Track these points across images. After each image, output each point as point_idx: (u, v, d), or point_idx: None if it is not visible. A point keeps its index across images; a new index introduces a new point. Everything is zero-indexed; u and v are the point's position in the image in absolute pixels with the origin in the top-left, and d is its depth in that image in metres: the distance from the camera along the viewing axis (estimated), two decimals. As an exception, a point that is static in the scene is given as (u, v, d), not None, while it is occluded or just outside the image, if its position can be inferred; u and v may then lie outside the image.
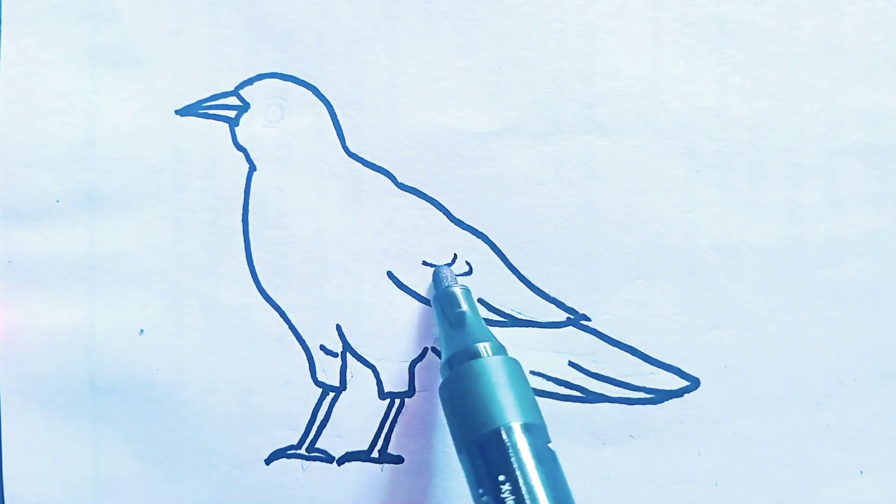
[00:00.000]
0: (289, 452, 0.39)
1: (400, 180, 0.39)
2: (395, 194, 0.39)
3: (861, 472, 0.39)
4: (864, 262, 0.39)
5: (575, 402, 0.39)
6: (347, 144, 0.39)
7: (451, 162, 0.39)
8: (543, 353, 0.39)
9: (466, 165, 0.39)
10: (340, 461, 0.39)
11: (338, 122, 0.39)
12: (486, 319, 0.39)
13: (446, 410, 0.35)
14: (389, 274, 0.39)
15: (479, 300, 0.39)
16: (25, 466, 0.40)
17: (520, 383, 0.34)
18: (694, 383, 0.39)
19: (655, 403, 0.39)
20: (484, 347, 0.35)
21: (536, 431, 0.33)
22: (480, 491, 0.32)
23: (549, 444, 0.33)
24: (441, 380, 0.36)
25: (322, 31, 0.40)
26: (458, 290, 0.37)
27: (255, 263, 0.39)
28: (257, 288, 0.39)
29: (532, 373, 0.39)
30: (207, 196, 0.40)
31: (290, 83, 0.40)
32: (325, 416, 0.39)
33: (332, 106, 0.40)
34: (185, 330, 0.39)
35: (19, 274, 0.40)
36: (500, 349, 0.35)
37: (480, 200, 0.39)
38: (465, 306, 0.37)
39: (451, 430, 0.35)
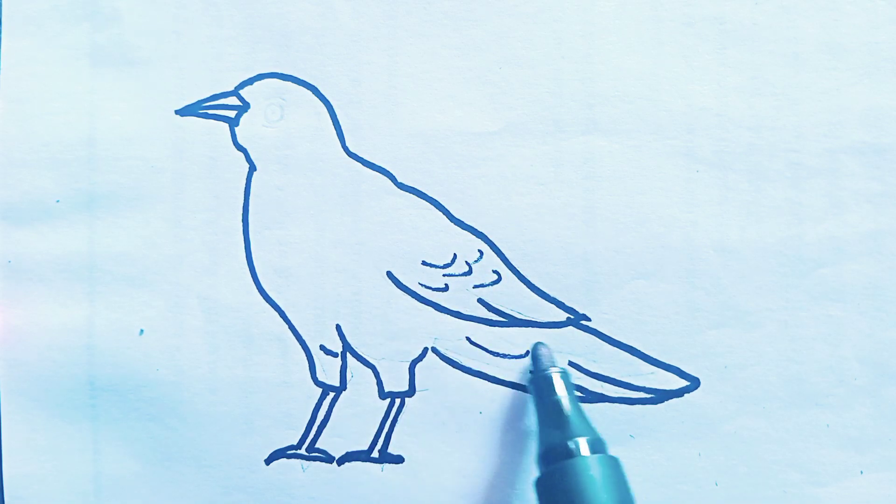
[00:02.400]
0: (289, 452, 0.39)
1: (400, 180, 0.39)
2: (394, 194, 0.39)
3: (861, 472, 0.39)
4: (864, 262, 0.39)
5: (575, 402, 0.39)
6: (347, 144, 0.39)
7: (451, 162, 0.39)
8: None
9: (466, 165, 0.39)
10: (340, 461, 0.39)
11: (338, 121, 0.39)
12: (486, 320, 0.39)
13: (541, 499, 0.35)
14: (389, 274, 0.39)
15: (479, 300, 0.39)
16: (25, 466, 0.40)
17: (620, 486, 0.33)
18: (694, 383, 0.39)
19: (655, 403, 0.39)
20: (583, 444, 0.34)
21: None
22: None
23: None
24: (537, 473, 0.35)
25: (322, 32, 0.40)
26: (555, 375, 0.37)
27: (255, 263, 0.39)
28: (257, 288, 0.39)
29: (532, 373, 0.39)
30: (207, 196, 0.40)
31: (289, 83, 0.40)
32: (325, 416, 0.39)
33: (331, 106, 0.40)
34: (184, 330, 0.39)
35: (19, 274, 0.39)
36: (599, 445, 0.34)
37: (480, 200, 0.39)
38: (562, 393, 0.36)
39: None
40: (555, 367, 0.37)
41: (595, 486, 0.33)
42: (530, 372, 0.38)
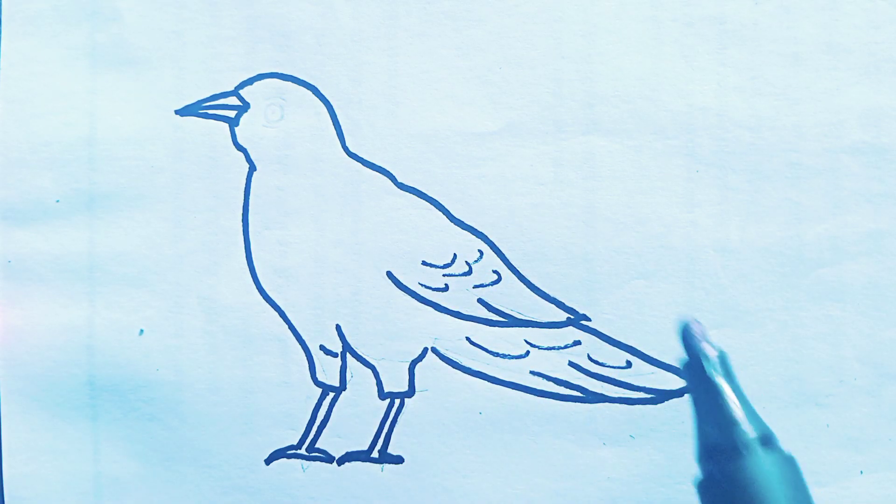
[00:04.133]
0: (289, 452, 0.39)
1: (400, 180, 0.39)
2: (394, 194, 0.39)
3: (861, 472, 0.39)
4: (864, 262, 0.39)
5: (575, 402, 0.39)
6: (347, 144, 0.39)
7: (451, 162, 0.39)
8: (543, 353, 0.39)
9: (466, 165, 0.39)
10: (340, 461, 0.39)
11: (337, 121, 0.39)
12: (486, 320, 0.39)
13: None
14: (389, 274, 0.39)
15: (479, 300, 0.39)
16: (25, 466, 0.40)
17: (799, 486, 0.30)
18: (694, 383, 0.39)
19: (655, 403, 0.39)
20: (755, 441, 0.30)
21: None
22: None
23: None
24: (700, 472, 0.32)
25: (322, 32, 0.40)
26: (713, 355, 0.32)
27: (255, 263, 0.39)
28: (257, 288, 0.39)
29: (532, 373, 0.39)
30: (207, 196, 0.40)
31: (289, 83, 0.40)
32: (325, 416, 0.39)
33: (331, 106, 0.40)
34: (184, 330, 0.39)
35: (19, 274, 0.40)
36: (769, 438, 0.31)
37: (480, 200, 0.39)
38: (722, 380, 0.31)
39: None
40: (712, 347, 0.32)
41: (775, 489, 0.29)
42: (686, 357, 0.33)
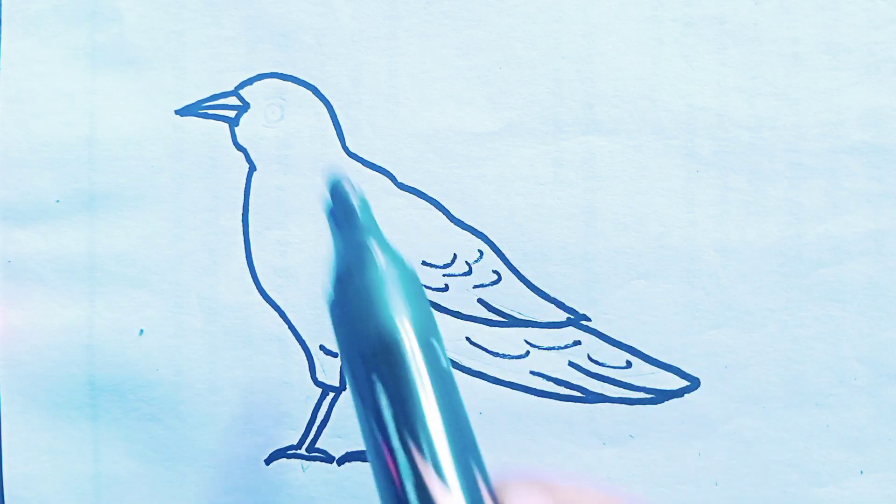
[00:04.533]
0: (289, 452, 0.39)
1: (400, 180, 0.39)
2: (394, 194, 0.39)
3: (861, 472, 0.39)
4: (864, 262, 0.39)
5: (575, 402, 0.39)
6: (347, 144, 0.39)
7: (451, 162, 0.39)
8: (543, 353, 0.39)
9: (466, 165, 0.39)
10: (340, 461, 0.39)
11: (338, 121, 0.39)
12: (486, 320, 0.39)
13: (336, 325, 0.31)
14: (389, 274, 0.39)
15: (479, 300, 0.39)
16: (25, 466, 0.40)
17: (417, 295, 0.30)
18: (694, 383, 0.39)
19: (655, 403, 0.39)
20: (378, 253, 0.30)
21: (430, 347, 0.29)
22: (362, 406, 0.29)
23: (445, 361, 0.29)
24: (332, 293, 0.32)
25: (322, 32, 0.40)
26: (348, 189, 0.33)
27: (255, 263, 0.39)
28: (257, 288, 0.39)
29: (532, 373, 0.39)
30: (207, 196, 0.40)
31: (290, 83, 0.40)
32: (325, 416, 0.39)
33: (331, 106, 0.40)
34: (184, 330, 0.39)
35: (19, 274, 0.39)
36: (396, 259, 0.31)
37: (480, 200, 0.39)
38: (356, 203, 0.32)
39: (339, 346, 0.31)
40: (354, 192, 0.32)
41: (394, 295, 0.29)
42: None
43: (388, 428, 0.27)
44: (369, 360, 0.28)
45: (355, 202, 0.32)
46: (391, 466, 0.27)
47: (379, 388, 0.28)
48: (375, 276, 0.29)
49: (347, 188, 0.32)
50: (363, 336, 0.29)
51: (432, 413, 0.27)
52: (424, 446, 0.27)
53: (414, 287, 0.30)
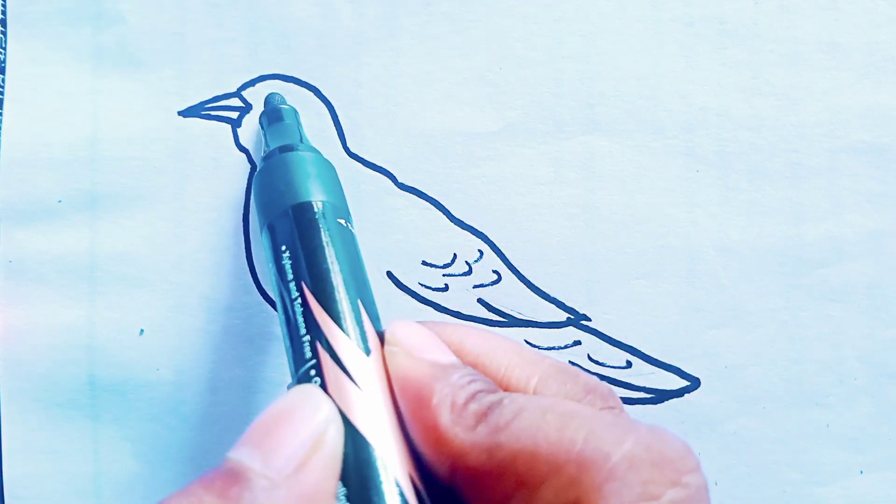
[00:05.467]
0: (288, 452, 0.39)
1: (400, 180, 0.39)
2: (395, 194, 0.39)
3: (861, 472, 0.39)
4: (864, 262, 0.39)
5: (575, 402, 0.39)
6: (348, 144, 0.39)
7: (451, 162, 0.39)
8: (543, 353, 0.39)
9: (466, 165, 0.39)
10: (340, 461, 0.39)
11: (339, 122, 0.40)
12: (486, 320, 0.39)
13: (257, 192, 0.35)
14: (389, 274, 0.39)
15: (479, 300, 0.39)
16: (25, 466, 0.39)
17: (329, 175, 0.34)
18: (694, 383, 0.39)
19: (655, 403, 0.39)
20: (299, 143, 0.36)
21: (333, 209, 0.33)
22: (272, 264, 0.32)
23: (347, 224, 0.33)
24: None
25: (323, 33, 0.40)
26: (279, 99, 0.39)
27: (255, 263, 0.39)
28: (257, 288, 0.39)
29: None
30: (209, 196, 0.40)
31: (291, 84, 0.40)
32: (325, 415, 0.39)
33: (333, 107, 0.40)
34: (185, 330, 0.39)
35: (20, 274, 0.40)
36: (314, 150, 0.36)
37: (480, 200, 0.39)
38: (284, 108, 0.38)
39: (257, 212, 0.35)
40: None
41: (310, 172, 0.34)
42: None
43: (287, 275, 0.31)
44: (281, 219, 0.32)
45: (284, 108, 0.38)
46: (289, 308, 0.30)
47: (287, 242, 0.31)
48: (295, 155, 0.34)
49: (278, 99, 0.38)
50: (279, 199, 0.33)
51: (329, 261, 0.30)
52: (319, 288, 0.30)
53: (327, 169, 0.34)
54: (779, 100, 0.39)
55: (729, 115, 0.39)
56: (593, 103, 0.39)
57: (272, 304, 0.39)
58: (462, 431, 0.26)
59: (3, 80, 0.40)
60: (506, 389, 0.28)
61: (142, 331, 0.39)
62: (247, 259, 0.39)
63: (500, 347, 0.29)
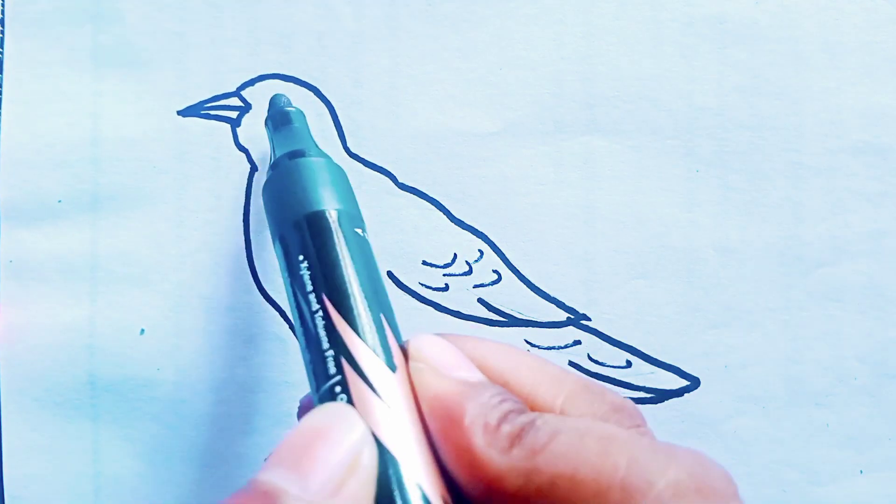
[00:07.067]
0: (288, 452, 0.39)
1: (400, 180, 0.39)
2: (395, 194, 0.39)
3: (861, 472, 0.39)
4: (864, 262, 0.39)
5: (575, 402, 0.39)
6: (348, 145, 0.40)
7: (452, 162, 0.39)
8: (544, 352, 0.39)
9: (466, 165, 0.39)
10: (340, 461, 0.39)
11: (339, 122, 0.40)
12: (486, 319, 0.39)
13: (268, 201, 0.34)
14: (389, 274, 0.39)
15: (479, 300, 0.39)
16: (25, 466, 0.40)
17: (342, 182, 0.33)
18: (694, 383, 0.39)
19: (655, 403, 0.39)
20: (310, 148, 0.34)
21: (349, 217, 0.31)
22: (287, 274, 0.31)
23: (363, 233, 0.32)
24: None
25: (323, 33, 0.40)
26: (285, 101, 0.37)
27: (255, 263, 0.39)
28: (258, 288, 0.39)
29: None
30: (209, 196, 0.40)
31: (291, 84, 0.40)
32: (325, 415, 0.39)
33: (333, 107, 0.40)
34: (185, 330, 0.39)
35: (21, 273, 0.40)
36: (325, 155, 0.34)
37: (480, 200, 0.39)
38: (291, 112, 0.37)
39: (269, 222, 0.33)
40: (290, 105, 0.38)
41: (322, 180, 0.32)
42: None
43: (306, 287, 0.29)
44: (296, 229, 0.31)
45: (291, 111, 0.36)
46: (310, 322, 0.29)
47: (304, 253, 0.30)
48: (307, 162, 0.32)
49: (284, 101, 0.37)
50: (292, 208, 0.31)
51: (349, 273, 0.29)
52: (342, 302, 0.29)
53: (339, 175, 0.33)
54: (779, 100, 0.39)
55: (729, 115, 0.39)
56: (593, 104, 0.39)
57: (272, 304, 0.39)
58: (497, 454, 0.25)
59: (2, 80, 0.40)
60: (532, 408, 0.27)
61: (142, 330, 0.39)
62: (247, 259, 0.39)
63: (524, 364, 0.28)
